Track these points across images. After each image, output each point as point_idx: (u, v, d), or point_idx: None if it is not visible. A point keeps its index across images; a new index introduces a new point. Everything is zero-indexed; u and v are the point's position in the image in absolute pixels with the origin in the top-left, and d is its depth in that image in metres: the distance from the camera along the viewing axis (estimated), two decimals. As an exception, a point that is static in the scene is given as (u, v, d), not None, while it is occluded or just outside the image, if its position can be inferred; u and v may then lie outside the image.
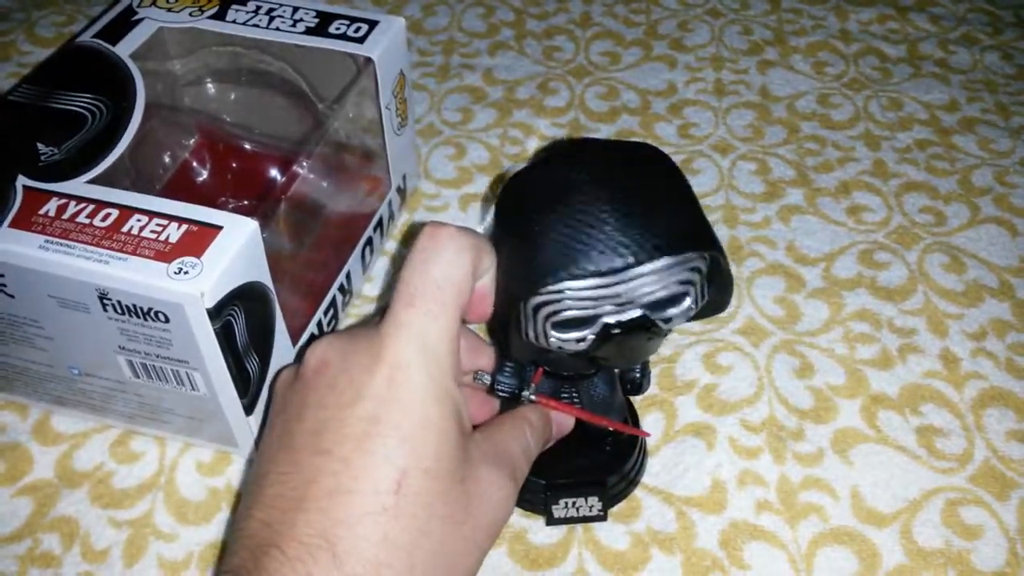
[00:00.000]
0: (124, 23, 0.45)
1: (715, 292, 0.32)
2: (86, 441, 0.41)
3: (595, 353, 0.32)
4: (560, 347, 0.31)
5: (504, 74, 0.63)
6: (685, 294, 0.31)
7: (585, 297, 0.30)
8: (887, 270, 0.49)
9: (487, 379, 0.36)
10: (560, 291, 0.30)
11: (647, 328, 0.31)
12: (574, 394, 0.37)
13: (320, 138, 0.43)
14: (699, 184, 0.54)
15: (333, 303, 0.44)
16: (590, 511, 0.38)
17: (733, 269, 0.49)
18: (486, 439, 0.32)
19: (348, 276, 0.46)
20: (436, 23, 0.68)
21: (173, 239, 0.33)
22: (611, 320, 0.30)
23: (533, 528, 0.39)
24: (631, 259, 0.29)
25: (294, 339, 0.39)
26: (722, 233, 0.51)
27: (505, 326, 0.33)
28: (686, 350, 0.45)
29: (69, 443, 0.41)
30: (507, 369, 0.36)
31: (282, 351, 0.38)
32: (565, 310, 0.30)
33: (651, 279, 0.30)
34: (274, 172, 0.49)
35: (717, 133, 0.58)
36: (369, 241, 0.48)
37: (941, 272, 0.49)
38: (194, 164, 0.50)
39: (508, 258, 0.32)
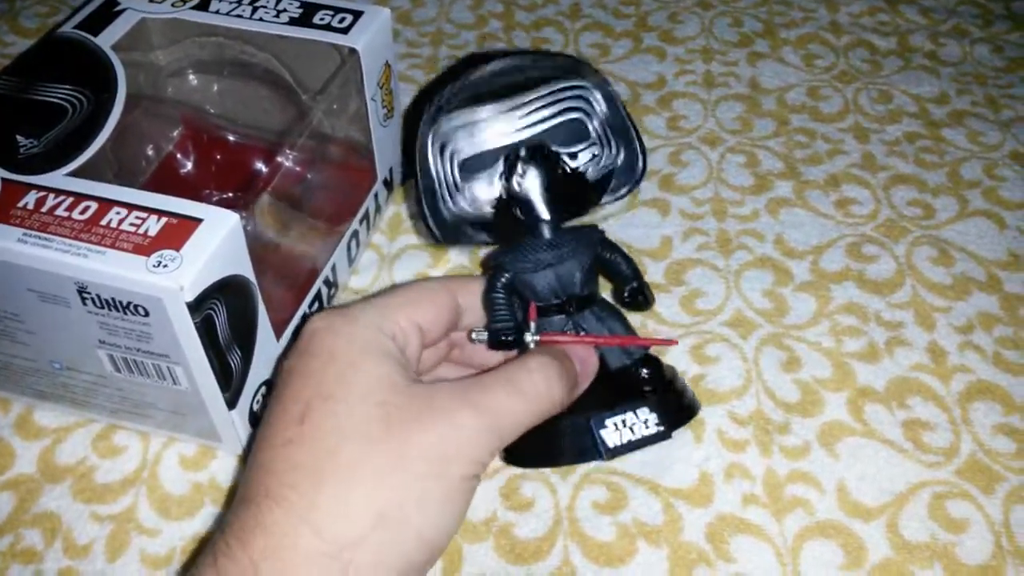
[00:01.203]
0: (106, 14, 0.44)
1: (623, 143, 0.35)
2: (68, 435, 0.41)
3: (503, 209, 0.34)
4: (473, 197, 0.33)
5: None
6: (585, 132, 0.34)
7: (484, 124, 0.33)
8: (875, 263, 0.49)
9: (484, 334, 0.35)
10: (460, 121, 0.32)
11: (550, 158, 0.33)
12: (579, 330, 0.36)
13: (304, 129, 0.43)
14: (688, 177, 0.54)
15: (318, 296, 0.44)
16: (647, 427, 0.34)
17: (721, 263, 0.49)
18: (456, 381, 0.32)
19: (333, 269, 0.45)
20: (424, 14, 0.67)
21: (152, 232, 0.33)
22: (513, 148, 0.33)
23: (519, 522, 0.38)
24: (525, 80, 0.32)
25: (278, 333, 0.39)
26: (710, 226, 0.51)
27: (432, 205, 0.34)
28: (674, 343, 0.45)
29: (51, 437, 0.41)
30: (501, 315, 0.35)
31: (266, 345, 0.38)
32: (463, 141, 0.33)
33: (539, 104, 0.33)
34: (258, 164, 0.48)
35: (706, 125, 0.58)
36: (355, 234, 0.47)
37: (929, 265, 0.49)
38: (178, 156, 0.50)
39: (414, 112, 0.35)
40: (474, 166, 0.32)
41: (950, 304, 0.47)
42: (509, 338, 0.35)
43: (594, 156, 0.33)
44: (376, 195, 0.49)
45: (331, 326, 0.32)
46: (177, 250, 0.32)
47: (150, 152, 0.49)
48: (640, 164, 0.36)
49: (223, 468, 0.40)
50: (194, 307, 0.32)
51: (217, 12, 0.45)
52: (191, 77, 0.49)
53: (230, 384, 0.36)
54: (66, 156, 0.37)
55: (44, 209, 0.34)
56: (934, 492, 0.39)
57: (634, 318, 0.41)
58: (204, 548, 0.29)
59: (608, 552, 0.37)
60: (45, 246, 0.32)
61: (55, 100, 0.40)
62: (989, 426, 0.42)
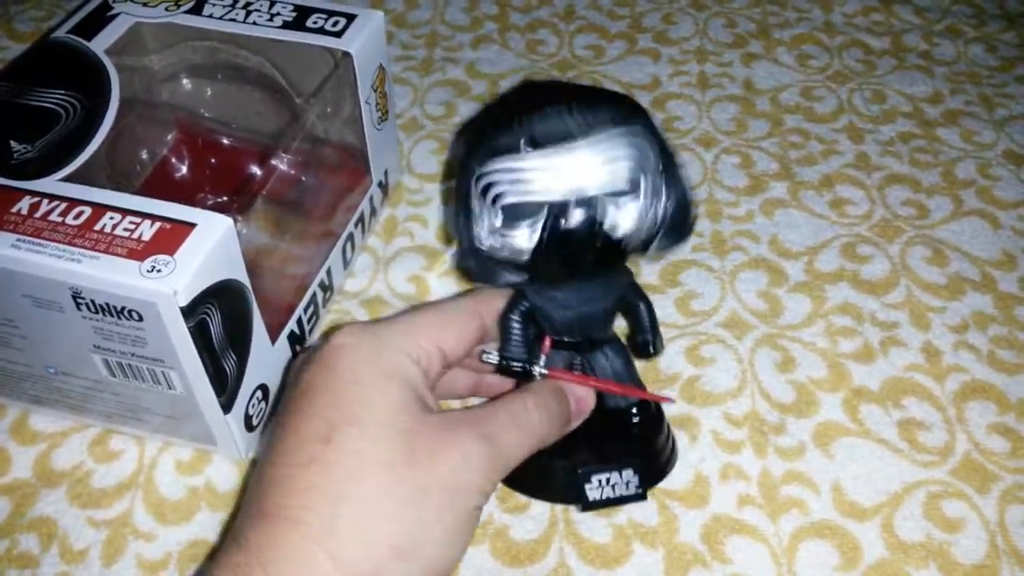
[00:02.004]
0: (99, 18, 0.44)
1: (672, 203, 0.32)
2: (64, 440, 0.41)
3: (542, 260, 0.32)
4: (509, 246, 0.32)
5: (487, 68, 0.62)
6: (636, 188, 0.31)
7: (528, 172, 0.31)
8: (869, 263, 0.49)
9: (494, 357, 0.35)
10: (508, 165, 0.31)
11: (592, 226, 0.31)
12: (587, 367, 0.37)
13: (297, 132, 0.43)
14: (682, 178, 0.54)
15: (314, 299, 0.44)
16: (627, 488, 0.36)
17: (716, 264, 0.49)
18: (465, 411, 0.32)
19: (329, 272, 0.45)
20: (419, 16, 0.67)
21: (146, 237, 0.33)
22: (558, 208, 0.31)
23: (514, 524, 0.38)
24: (575, 127, 0.30)
25: (273, 336, 0.39)
26: (705, 227, 0.51)
27: (464, 225, 0.33)
28: (670, 343, 0.45)
29: (47, 443, 0.41)
30: (514, 343, 0.35)
31: (260, 349, 0.38)
32: (509, 186, 0.31)
33: (599, 159, 0.31)
34: (253, 167, 0.48)
35: (701, 126, 0.58)
36: (350, 237, 0.47)
37: (923, 265, 0.49)
38: (172, 160, 0.50)
39: (466, 151, 0.33)
40: (517, 212, 0.32)
41: (944, 304, 0.47)
42: (517, 368, 0.35)
43: (640, 210, 0.32)
44: (371, 198, 0.49)
45: (358, 344, 0.31)
46: (171, 255, 0.32)
47: (144, 156, 0.49)
48: (689, 223, 0.35)
49: (219, 472, 0.40)
50: (188, 312, 0.32)
51: (211, 16, 0.45)
52: (185, 81, 0.49)
53: (225, 388, 0.36)
54: (60, 161, 0.37)
55: (38, 215, 0.34)
56: (929, 492, 0.40)
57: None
58: (217, 558, 0.28)
59: (604, 554, 0.38)
60: (39, 252, 0.32)
61: (49, 105, 0.40)
62: (984, 426, 0.42)
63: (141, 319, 0.32)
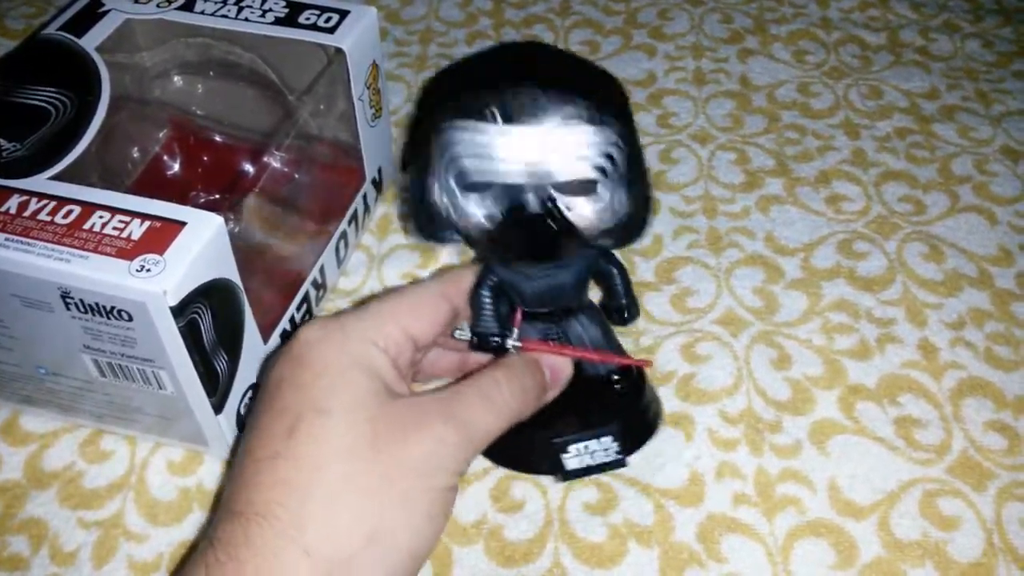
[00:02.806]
0: (90, 15, 0.44)
1: (631, 201, 0.32)
2: (55, 441, 0.41)
3: (496, 237, 0.32)
4: (465, 219, 0.32)
5: (482, 64, 0.62)
6: (596, 184, 0.31)
7: (491, 144, 0.30)
8: (866, 260, 0.49)
9: (466, 334, 0.35)
10: (475, 136, 0.30)
11: (553, 217, 0.31)
12: (561, 336, 0.37)
13: (289, 129, 0.43)
14: (678, 175, 0.54)
15: (307, 298, 0.44)
16: (607, 455, 0.36)
17: (712, 261, 0.49)
18: (434, 394, 0.32)
19: (322, 270, 0.45)
20: (413, 12, 0.67)
21: (135, 236, 0.32)
22: (517, 195, 0.31)
23: (509, 524, 0.38)
24: (549, 115, 0.30)
25: (265, 335, 0.39)
26: (701, 223, 0.51)
27: (418, 187, 0.33)
28: (665, 341, 0.45)
29: (38, 443, 0.41)
30: (485, 317, 0.35)
31: (252, 348, 0.38)
32: (470, 151, 0.31)
33: (567, 147, 0.30)
34: (245, 165, 0.48)
35: (696, 123, 0.58)
36: (344, 234, 0.47)
37: (920, 261, 0.49)
38: (164, 158, 0.49)
39: (434, 100, 0.33)
40: (473, 184, 0.32)
41: (941, 300, 0.47)
42: (490, 343, 0.35)
43: (599, 205, 0.32)
44: (364, 196, 0.49)
45: (325, 336, 0.31)
46: (160, 254, 0.32)
47: (136, 154, 0.49)
48: (644, 223, 0.34)
49: (210, 473, 0.40)
50: (178, 311, 0.32)
51: (202, 12, 0.44)
52: (177, 78, 0.49)
53: (216, 388, 0.35)
54: (49, 159, 0.36)
55: (26, 213, 0.33)
56: (925, 490, 0.39)
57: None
58: (191, 557, 0.28)
59: (599, 553, 0.37)
60: (27, 251, 0.32)
61: (38, 103, 0.39)
62: (981, 423, 0.42)
63: (131, 319, 0.32)
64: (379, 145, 0.49)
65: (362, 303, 0.46)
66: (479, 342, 0.35)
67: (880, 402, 0.43)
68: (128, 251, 0.32)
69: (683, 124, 0.58)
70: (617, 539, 0.38)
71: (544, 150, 0.31)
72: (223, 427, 0.37)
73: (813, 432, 0.41)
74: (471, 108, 0.31)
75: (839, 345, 0.45)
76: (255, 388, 0.39)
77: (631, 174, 0.32)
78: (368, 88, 0.46)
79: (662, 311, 0.47)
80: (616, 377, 0.38)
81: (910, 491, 0.39)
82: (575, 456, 0.36)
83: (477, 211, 0.32)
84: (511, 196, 0.31)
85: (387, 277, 0.48)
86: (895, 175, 0.54)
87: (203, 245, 0.32)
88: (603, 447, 0.36)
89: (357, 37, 0.44)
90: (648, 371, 0.41)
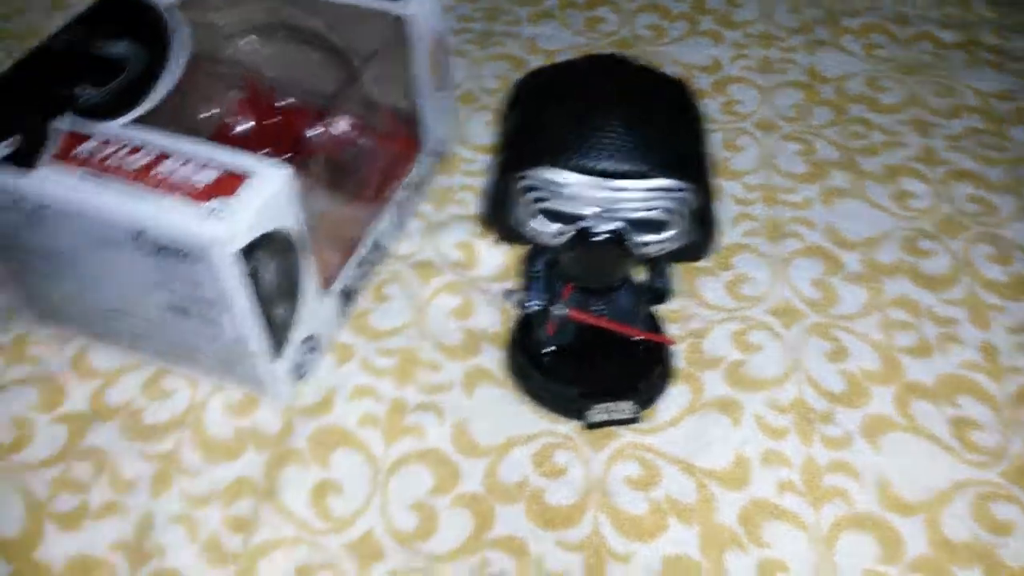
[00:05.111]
0: None
1: (698, 235, 0.34)
2: (120, 378, 0.42)
3: (561, 256, 0.35)
4: (535, 236, 0.34)
5: (545, 44, 0.62)
6: (667, 223, 0.32)
7: (574, 194, 0.32)
8: (930, 258, 0.48)
9: (518, 296, 0.40)
10: (553, 179, 0.32)
11: (619, 244, 0.33)
12: (602, 307, 0.40)
13: (354, 94, 0.43)
14: (740, 162, 0.53)
15: (365, 259, 0.44)
16: (623, 413, 0.40)
17: (770, 249, 0.48)
18: None
19: (380, 233, 0.45)
20: (481, -11, 0.67)
21: (207, 181, 0.33)
22: (589, 224, 0.32)
23: (550, 488, 0.38)
24: (628, 168, 0.31)
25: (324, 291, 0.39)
26: (760, 212, 0.50)
27: (497, 204, 0.34)
28: (716, 326, 0.45)
29: (103, 379, 0.42)
30: (536, 287, 0.39)
31: (312, 301, 0.38)
32: (551, 199, 0.32)
33: (640, 195, 0.32)
34: (311, 128, 0.49)
35: (761, 111, 0.57)
36: (403, 200, 0.47)
37: (986, 263, 0.48)
38: (233, 117, 0.50)
39: (513, 133, 0.34)
40: (549, 214, 0.33)
41: (1006, 304, 0.46)
42: (538, 308, 0.39)
43: (665, 242, 0.33)
44: (425, 164, 0.49)
45: None
46: (230, 200, 0.32)
47: (206, 113, 0.50)
48: (704, 253, 0.35)
49: (266, 417, 0.40)
50: (242, 256, 0.32)
51: (277, -26, 0.45)
52: (247, 39, 0.50)
53: (275, 335, 0.36)
54: (125, 107, 0.37)
55: (103, 155, 0.34)
56: (979, 492, 0.38)
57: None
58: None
59: (638, 526, 0.37)
60: (103, 190, 0.33)
61: (114, 54, 0.40)
62: (1040, 429, 0.41)
63: (198, 261, 0.33)
64: (441, 115, 0.50)
65: (420, 268, 0.47)
66: (527, 306, 0.39)
67: (937, 401, 0.42)
68: (199, 195, 0.33)
69: (747, 112, 0.57)
70: (658, 514, 0.38)
71: (619, 195, 0.32)
72: (279, 374, 0.38)
73: (865, 426, 0.41)
74: (553, 157, 0.32)
75: (898, 342, 0.44)
76: (313, 339, 0.40)
77: (701, 212, 0.33)
78: (431, 58, 0.46)
79: (716, 296, 0.46)
80: (640, 346, 0.41)
81: (963, 492, 0.38)
82: (598, 413, 0.40)
83: (549, 230, 0.33)
84: (583, 228, 0.33)
85: (443, 245, 0.48)
86: (964, 174, 0.53)
87: (271, 194, 0.33)
88: (621, 408, 0.40)
89: (421, 5, 0.44)
90: (673, 347, 0.44)
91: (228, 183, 0.33)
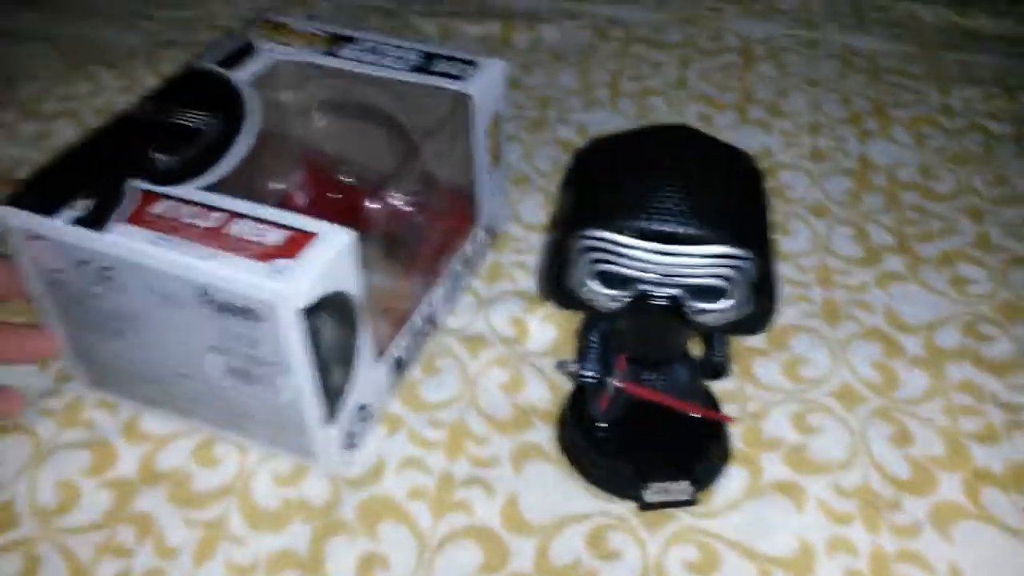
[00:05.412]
0: (242, 53, 0.47)
1: (757, 305, 0.33)
2: (171, 443, 0.41)
3: (617, 324, 0.35)
4: (592, 300, 0.34)
5: (598, 129, 0.63)
6: (726, 291, 0.32)
7: (633, 257, 0.32)
8: (992, 343, 0.47)
9: (573, 367, 0.39)
10: (613, 240, 0.32)
11: (677, 311, 0.33)
12: (658, 380, 0.40)
13: (413, 169, 0.44)
14: (792, 244, 0.53)
15: (418, 331, 0.44)
16: (680, 495, 0.39)
17: (828, 332, 0.48)
18: None
19: (432, 306, 0.46)
20: (533, 81, 0.69)
21: (273, 242, 0.34)
22: (647, 289, 0.32)
23: (604, 570, 0.37)
24: (688, 232, 0.31)
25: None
26: (816, 294, 0.50)
27: (555, 265, 0.35)
28: (773, 407, 0.44)
29: (153, 444, 0.41)
30: (591, 357, 0.39)
31: (365, 369, 0.38)
32: (609, 262, 0.32)
33: (699, 261, 0.32)
34: (371, 202, 0.50)
35: (813, 195, 0.57)
36: (455, 275, 0.48)
37: (1052, 350, 0.46)
38: (296, 192, 0.52)
39: (575, 195, 0.35)
40: (608, 277, 0.33)
41: (1077, 392, 0.44)
42: (590, 382, 0.39)
43: (723, 312, 0.33)
44: (478, 240, 0.50)
45: None
46: (294, 259, 0.33)
47: (270, 187, 0.51)
48: (764, 325, 0.35)
49: (314, 487, 0.40)
50: (305, 315, 0.32)
51: (345, 57, 0.47)
52: (314, 116, 0.51)
53: (330, 400, 0.36)
54: (198, 173, 0.39)
55: (175, 216, 0.35)
56: (1061, 588, 0.36)
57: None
58: None
59: (699, 615, 0.35)
60: (173, 248, 0.34)
61: (191, 124, 0.42)
62: (1124, 523, 0.38)
63: (261, 319, 0.33)
64: (494, 193, 0.51)
65: (470, 342, 0.47)
66: (582, 378, 0.39)
67: (1007, 489, 0.40)
68: (265, 255, 0.33)
69: (798, 197, 0.57)
70: (719, 603, 0.36)
71: (679, 261, 0.32)
72: (332, 441, 0.37)
73: (935, 514, 0.39)
74: (613, 218, 0.32)
75: (964, 427, 0.42)
76: (366, 408, 0.39)
77: (761, 282, 0.33)
78: (488, 136, 0.48)
79: (771, 378, 0.45)
80: (695, 426, 0.40)
81: (1044, 588, 0.36)
82: (654, 493, 0.39)
83: (607, 294, 0.33)
84: (641, 294, 0.33)
85: (494, 320, 0.48)
86: (1022, 261, 0.52)
87: (334, 255, 0.33)
88: (679, 487, 0.39)
89: (484, 85, 0.45)
90: (732, 427, 0.42)
91: (294, 244, 0.34)
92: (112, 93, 0.65)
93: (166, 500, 0.39)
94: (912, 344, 0.47)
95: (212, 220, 0.35)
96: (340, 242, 0.34)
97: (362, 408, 0.39)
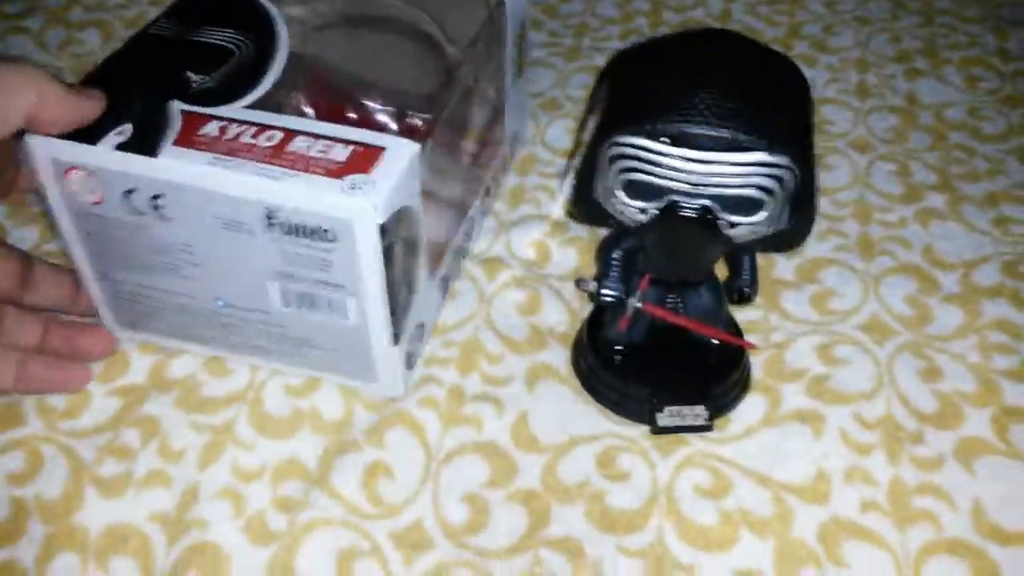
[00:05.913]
0: None
1: (793, 221, 0.32)
2: (181, 354, 0.41)
3: (646, 234, 0.33)
4: (619, 211, 0.32)
5: (634, 60, 0.61)
6: (762, 203, 0.30)
7: (664, 164, 0.30)
8: (1034, 284, 0.45)
9: (592, 286, 0.37)
10: (644, 147, 0.30)
11: (707, 223, 0.31)
12: (679, 303, 0.38)
13: (456, 88, 0.42)
14: (831, 179, 0.51)
15: (457, 249, 0.44)
16: (695, 420, 0.38)
17: (861, 266, 0.46)
18: None
19: (472, 222, 0.45)
20: (570, 8, 0.67)
21: (341, 158, 0.32)
22: (677, 200, 0.31)
23: (613, 491, 0.36)
24: (724, 136, 0.29)
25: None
26: (851, 228, 0.48)
27: (584, 173, 0.33)
28: (799, 338, 0.42)
29: (166, 354, 0.41)
30: (613, 276, 0.37)
31: (423, 286, 0.37)
32: (639, 171, 0.31)
33: (734, 169, 0.30)
34: (413, 120, 0.49)
35: (856, 131, 0.55)
36: (488, 189, 0.47)
37: (1097, 293, 0.44)
38: (311, 110, 0.51)
39: (607, 100, 0.33)
40: (638, 187, 0.31)
41: (1119, 335, 0.42)
42: (612, 300, 0.38)
43: (757, 226, 0.31)
44: (504, 155, 0.48)
45: None
46: (368, 174, 0.32)
47: (293, 105, 0.50)
48: (798, 242, 0.34)
49: (326, 401, 0.39)
50: (382, 231, 0.31)
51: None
52: (336, 32, 0.50)
53: (397, 319, 0.35)
54: (238, 93, 0.36)
55: (229, 136, 0.33)
56: (1088, 529, 0.35)
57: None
58: None
59: (706, 536, 0.35)
60: (237, 170, 0.32)
61: (220, 42, 0.40)
62: None
63: (334, 239, 0.32)
64: (516, 107, 0.49)
65: (488, 264, 0.46)
66: (603, 296, 0.37)
67: (1040, 430, 0.38)
68: (336, 171, 0.32)
69: (841, 132, 0.55)
70: (728, 525, 0.35)
71: (713, 170, 0.30)
72: (395, 361, 0.36)
73: (959, 448, 0.37)
74: (644, 123, 0.30)
75: (997, 364, 0.41)
76: (422, 327, 0.39)
77: (800, 194, 0.31)
78: (515, 46, 0.46)
79: (798, 309, 0.44)
80: (715, 349, 0.39)
81: (1070, 527, 0.35)
82: (668, 417, 0.38)
83: (635, 206, 0.32)
84: (672, 204, 0.31)
85: (514, 243, 0.47)
86: (1073, 204, 0.50)
87: (404, 168, 0.32)
88: (694, 412, 0.38)
89: None
90: (754, 355, 0.41)
91: (363, 159, 0.32)
92: (143, 6, 0.65)
93: (173, 405, 0.39)
94: (949, 281, 0.45)
95: (270, 139, 0.33)
96: (409, 154, 0.33)
97: (420, 327, 0.38)
